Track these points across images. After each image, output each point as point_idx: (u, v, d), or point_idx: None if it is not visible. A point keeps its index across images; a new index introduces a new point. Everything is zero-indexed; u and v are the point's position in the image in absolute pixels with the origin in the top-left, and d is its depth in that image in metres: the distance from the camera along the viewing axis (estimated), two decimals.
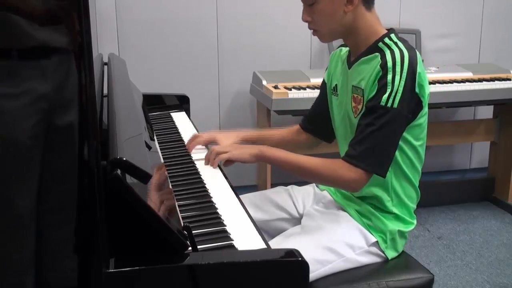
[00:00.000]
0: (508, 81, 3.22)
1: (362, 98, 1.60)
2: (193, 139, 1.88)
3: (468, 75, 3.30)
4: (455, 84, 3.12)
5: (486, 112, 3.74)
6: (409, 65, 1.53)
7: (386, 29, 1.65)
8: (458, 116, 3.81)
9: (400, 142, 1.59)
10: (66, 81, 1.07)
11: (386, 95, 1.51)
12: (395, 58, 1.54)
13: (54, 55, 1.06)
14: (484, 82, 3.17)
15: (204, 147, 1.90)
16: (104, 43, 3.04)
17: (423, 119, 1.63)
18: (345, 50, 1.77)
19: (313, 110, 1.97)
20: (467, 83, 3.14)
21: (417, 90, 1.56)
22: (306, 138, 1.98)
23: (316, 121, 1.94)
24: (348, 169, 1.55)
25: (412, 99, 1.55)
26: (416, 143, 1.64)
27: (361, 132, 1.55)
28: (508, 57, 3.76)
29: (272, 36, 3.39)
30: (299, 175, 1.66)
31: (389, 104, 1.51)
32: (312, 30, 1.66)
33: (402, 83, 1.51)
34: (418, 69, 1.56)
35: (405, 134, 1.59)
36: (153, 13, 3.20)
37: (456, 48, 3.71)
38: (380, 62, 1.55)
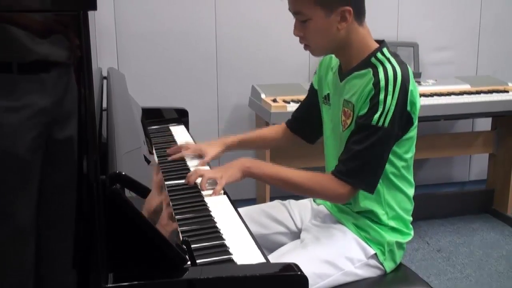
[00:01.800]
0: (506, 93, 3.23)
1: (352, 112, 1.62)
2: (177, 150, 1.91)
3: (466, 87, 3.31)
4: (453, 96, 3.13)
5: (485, 124, 3.74)
6: (402, 83, 1.54)
7: (378, 41, 1.66)
8: (456, 128, 3.81)
9: (390, 156, 1.60)
10: (66, 95, 1.07)
11: (377, 115, 1.52)
12: (387, 76, 1.54)
13: (53, 69, 1.06)
14: (482, 95, 3.18)
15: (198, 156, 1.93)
16: (103, 57, 3.04)
17: (413, 132, 1.64)
18: (336, 59, 1.77)
19: (300, 111, 2.00)
20: (465, 96, 3.15)
21: (408, 108, 1.57)
22: (290, 136, 2.01)
23: (301, 122, 1.98)
24: (338, 184, 1.58)
25: (402, 117, 1.56)
26: (406, 156, 1.65)
27: (351, 149, 1.57)
28: (506, 69, 3.77)
29: (271, 49, 3.40)
30: (286, 189, 1.68)
31: (380, 123, 1.53)
32: (303, 45, 1.66)
33: (394, 102, 1.53)
34: (410, 87, 1.56)
35: (395, 148, 1.61)
36: (152, 27, 3.21)
37: (453, 61, 3.72)
38: (373, 79, 1.55)
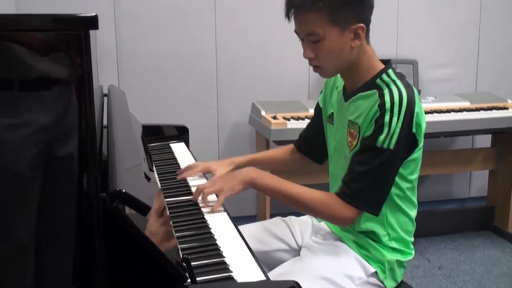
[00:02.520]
0: (505, 110, 3.24)
1: (358, 134, 1.60)
2: (187, 170, 1.90)
3: (466, 104, 3.32)
4: (452, 113, 3.14)
5: (485, 141, 3.75)
6: (407, 106, 1.53)
7: (384, 62, 1.66)
8: (456, 145, 3.82)
9: (396, 178, 1.59)
10: (67, 112, 1.08)
11: (382, 136, 1.51)
12: (393, 98, 1.53)
13: (54, 86, 1.07)
14: (481, 111, 3.19)
15: (200, 175, 1.92)
16: (104, 74, 3.06)
17: (417, 153, 1.63)
18: (341, 78, 1.75)
19: (307, 131, 1.99)
20: (464, 112, 3.16)
21: (414, 130, 1.56)
22: (299, 157, 2.00)
23: (309, 142, 1.97)
24: (342, 206, 1.56)
25: (408, 140, 1.55)
26: (411, 177, 1.64)
27: (355, 170, 1.56)
28: (505, 86, 3.79)
29: (271, 67, 3.42)
30: (289, 204, 1.65)
31: (385, 145, 1.52)
32: (313, 67, 1.63)
33: (400, 124, 1.51)
34: (416, 109, 1.55)
35: (400, 169, 1.59)
36: (153, 46, 3.24)
37: (453, 78, 3.74)
38: (379, 101, 1.54)
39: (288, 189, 1.62)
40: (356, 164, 1.56)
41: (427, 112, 3.11)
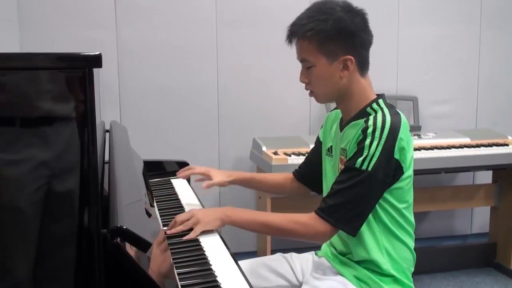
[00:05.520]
0: (506, 147, 3.25)
1: (345, 159, 1.65)
2: (187, 169, 1.98)
3: (466, 140, 3.33)
4: (453, 149, 3.15)
5: (486, 177, 3.74)
6: (390, 130, 1.57)
7: (377, 94, 1.70)
8: (457, 181, 3.82)
9: (384, 204, 1.62)
10: (67, 148, 1.09)
11: (361, 158, 1.56)
12: (376, 123, 1.58)
13: (56, 123, 1.08)
14: (482, 148, 3.20)
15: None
16: (106, 110, 3.08)
17: (404, 182, 1.64)
18: (340, 113, 1.81)
19: (306, 163, 2.03)
20: (465, 149, 3.17)
21: (397, 156, 1.58)
22: (298, 186, 2.04)
23: (308, 173, 2.00)
24: (317, 222, 1.60)
25: (389, 164, 1.57)
26: (400, 206, 1.65)
27: (333, 187, 1.61)
28: (505, 122, 3.81)
29: (272, 102, 3.44)
30: (268, 233, 1.72)
31: (363, 167, 1.56)
32: (309, 91, 1.71)
33: (380, 148, 1.55)
34: (400, 135, 1.58)
35: (387, 196, 1.62)
36: (155, 81, 3.27)
37: (453, 114, 3.76)
38: (363, 126, 1.60)
39: (263, 218, 1.66)
40: (335, 183, 1.62)
41: (427, 148, 3.12)
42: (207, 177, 1.99)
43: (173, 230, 1.60)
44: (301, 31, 1.62)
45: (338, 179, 1.61)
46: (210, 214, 1.65)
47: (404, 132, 1.59)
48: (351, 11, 1.62)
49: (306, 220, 1.61)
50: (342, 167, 1.65)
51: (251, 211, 1.70)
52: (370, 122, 1.59)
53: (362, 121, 1.63)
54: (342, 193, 1.58)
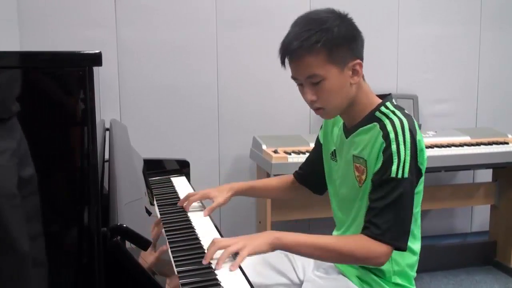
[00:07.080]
0: (506, 145, 3.25)
1: (365, 168, 1.60)
2: (187, 199, 1.91)
3: (466, 139, 3.33)
4: (453, 148, 3.15)
5: (486, 176, 3.75)
6: (411, 133, 1.53)
7: (382, 96, 1.67)
8: (457, 179, 3.82)
9: None
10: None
11: (394, 166, 1.50)
12: (395, 127, 1.54)
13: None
14: (482, 146, 3.20)
15: (201, 208, 1.93)
16: (106, 108, 3.08)
17: (421, 186, 1.62)
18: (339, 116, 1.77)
19: (307, 164, 2.00)
20: (465, 147, 3.17)
21: (419, 158, 1.55)
22: (298, 188, 2.01)
23: (309, 173, 1.97)
24: (376, 245, 1.50)
25: (416, 168, 1.54)
26: (415, 211, 1.62)
27: (376, 207, 1.52)
28: (505, 121, 3.81)
29: (272, 101, 3.44)
30: (323, 258, 1.58)
31: (399, 175, 1.50)
32: (316, 109, 1.62)
33: (408, 152, 1.51)
34: (418, 137, 1.55)
35: None
36: (155, 80, 3.27)
37: (453, 113, 3.76)
38: (382, 133, 1.55)
39: (321, 241, 1.53)
40: (374, 201, 1.53)
41: (428, 147, 3.12)
42: (208, 199, 1.92)
43: (219, 261, 1.42)
44: (306, 46, 1.50)
45: (378, 196, 1.52)
46: (256, 238, 1.51)
47: (419, 133, 1.57)
48: (341, 15, 1.57)
49: (364, 243, 1.50)
50: (361, 175, 1.61)
51: (303, 234, 1.57)
52: (389, 127, 1.54)
53: (375, 127, 1.58)
54: (388, 209, 1.50)
